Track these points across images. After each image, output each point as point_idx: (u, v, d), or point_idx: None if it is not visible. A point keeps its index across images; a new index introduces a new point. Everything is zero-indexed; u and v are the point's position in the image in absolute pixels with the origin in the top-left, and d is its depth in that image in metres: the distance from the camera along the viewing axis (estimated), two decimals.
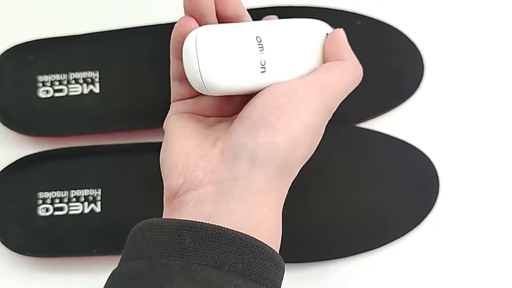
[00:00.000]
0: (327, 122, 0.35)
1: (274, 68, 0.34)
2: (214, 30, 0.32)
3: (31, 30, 0.49)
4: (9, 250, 0.45)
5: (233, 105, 0.36)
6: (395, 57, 0.48)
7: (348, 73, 0.36)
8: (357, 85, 0.37)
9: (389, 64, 0.47)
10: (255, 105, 0.33)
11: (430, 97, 0.48)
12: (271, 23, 0.35)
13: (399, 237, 0.45)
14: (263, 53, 0.33)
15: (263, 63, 0.33)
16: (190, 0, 0.33)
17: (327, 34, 0.38)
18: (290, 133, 0.32)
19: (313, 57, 0.36)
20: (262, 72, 0.33)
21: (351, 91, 0.37)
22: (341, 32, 0.37)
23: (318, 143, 0.35)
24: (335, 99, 0.35)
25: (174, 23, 0.47)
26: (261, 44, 0.33)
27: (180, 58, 0.34)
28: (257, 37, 0.33)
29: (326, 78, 0.34)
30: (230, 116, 0.36)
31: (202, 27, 0.33)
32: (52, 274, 0.46)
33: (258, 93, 0.33)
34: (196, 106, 0.36)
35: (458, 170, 0.47)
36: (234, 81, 0.32)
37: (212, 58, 0.32)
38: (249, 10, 0.47)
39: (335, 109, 0.36)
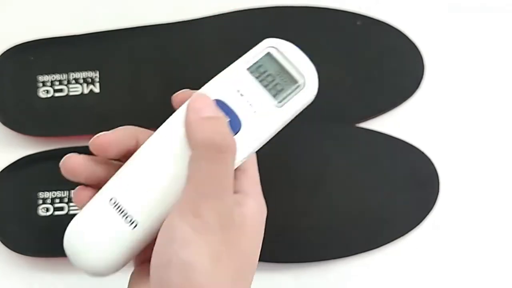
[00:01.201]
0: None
1: (142, 223, 0.31)
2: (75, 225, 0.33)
3: (31, 30, 0.49)
4: (9, 250, 0.45)
5: None
6: (395, 57, 0.48)
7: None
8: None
9: (389, 64, 0.47)
10: (151, 266, 0.30)
11: (431, 97, 0.48)
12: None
13: (399, 237, 0.45)
14: (125, 214, 0.31)
15: (129, 220, 0.31)
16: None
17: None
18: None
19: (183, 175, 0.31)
20: (134, 227, 0.31)
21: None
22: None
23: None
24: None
25: (174, 23, 0.47)
26: (118, 205, 0.31)
27: None
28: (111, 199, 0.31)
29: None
30: None
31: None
32: (52, 274, 0.46)
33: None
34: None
35: (458, 170, 0.47)
36: (112, 256, 0.31)
37: (79, 250, 0.32)
38: (250, 10, 0.48)
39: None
